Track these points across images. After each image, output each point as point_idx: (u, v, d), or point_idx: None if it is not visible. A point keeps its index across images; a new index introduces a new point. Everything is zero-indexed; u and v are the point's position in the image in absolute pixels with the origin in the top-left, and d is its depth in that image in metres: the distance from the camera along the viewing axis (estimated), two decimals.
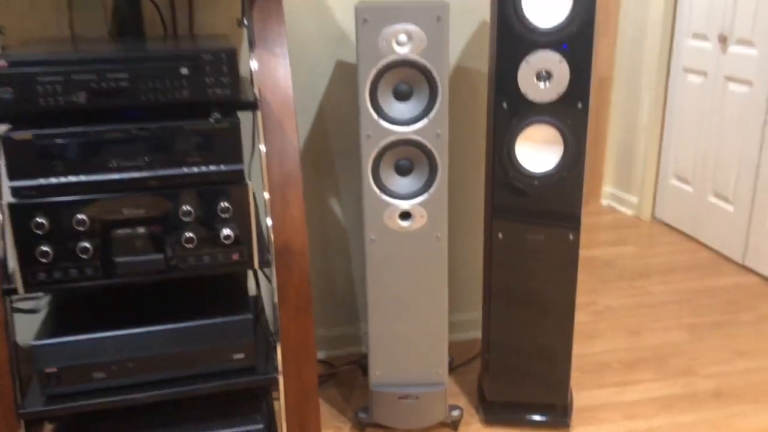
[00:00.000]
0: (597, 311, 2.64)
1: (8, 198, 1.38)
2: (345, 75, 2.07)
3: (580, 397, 2.10)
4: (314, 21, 2.01)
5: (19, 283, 1.42)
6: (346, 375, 2.24)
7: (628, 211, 3.69)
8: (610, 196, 3.84)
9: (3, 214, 1.39)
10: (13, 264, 1.43)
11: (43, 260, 1.40)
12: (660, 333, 2.47)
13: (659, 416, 2.01)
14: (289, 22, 1.99)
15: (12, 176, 1.36)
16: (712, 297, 2.74)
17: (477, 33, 2.12)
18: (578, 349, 2.37)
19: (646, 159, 3.51)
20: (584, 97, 1.67)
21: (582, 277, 2.94)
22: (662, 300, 2.73)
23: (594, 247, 3.26)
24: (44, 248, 1.39)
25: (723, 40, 3.00)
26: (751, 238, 2.93)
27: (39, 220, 1.38)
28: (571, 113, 1.68)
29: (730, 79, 2.99)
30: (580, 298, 2.75)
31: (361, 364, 2.23)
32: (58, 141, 1.36)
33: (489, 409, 1.98)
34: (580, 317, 2.59)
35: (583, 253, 3.20)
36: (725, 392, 2.11)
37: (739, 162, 2.97)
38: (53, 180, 1.38)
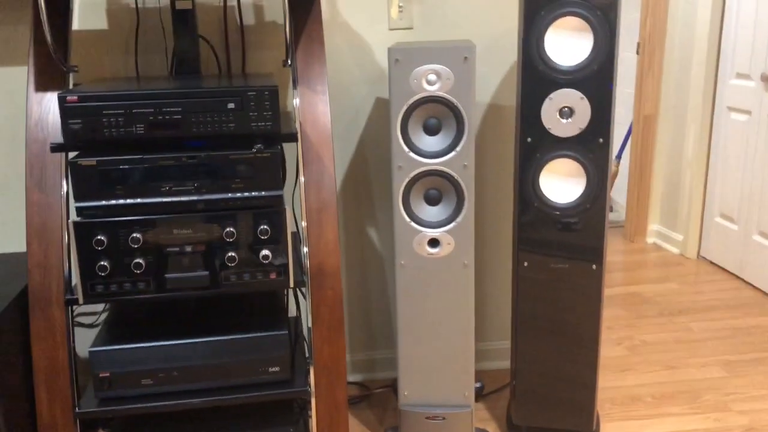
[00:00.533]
0: (632, 345, 2.66)
1: (74, 217, 1.55)
2: (383, 111, 2.21)
3: (609, 428, 2.13)
4: (355, 61, 2.16)
5: (80, 294, 1.58)
6: (380, 397, 2.32)
7: (674, 249, 3.68)
8: (656, 234, 3.84)
9: (69, 231, 1.56)
10: (75, 278, 1.60)
11: (102, 274, 1.56)
12: (696, 369, 2.48)
13: None
14: (332, 62, 2.15)
15: (78, 197, 1.53)
16: (753, 335, 2.72)
17: (510, 72, 2.23)
18: (610, 381, 2.40)
19: (691, 197, 3.51)
20: (605, 132, 1.75)
21: (619, 312, 2.96)
22: (701, 337, 2.72)
23: (636, 284, 3.27)
24: (103, 263, 1.56)
25: (766, 79, 3.02)
26: None
27: (99, 237, 1.54)
28: (593, 148, 1.76)
29: None
30: (616, 333, 2.77)
31: (394, 387, 2.32)
32: (119, 167, 1.53)
33: None
34: (615, 351, 2.62)
35: (623, 289, 3.22)
36: (758, 428, 2.10)
37: None
38: (113, 202, 1.55)
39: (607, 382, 2.39)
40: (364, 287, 2.38)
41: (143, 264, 1.57)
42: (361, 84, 2.18)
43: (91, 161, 1.52)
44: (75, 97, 1.47)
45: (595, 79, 1.72)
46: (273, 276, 1.64)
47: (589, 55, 1.70)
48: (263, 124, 1.57)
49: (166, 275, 1.59)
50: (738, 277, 3.29)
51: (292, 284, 1.66)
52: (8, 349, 1.60)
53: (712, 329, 2.78)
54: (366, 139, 2.24)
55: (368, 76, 2.18)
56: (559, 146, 1.78)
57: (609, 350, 2.62)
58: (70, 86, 1.72)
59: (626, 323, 2.86)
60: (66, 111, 1.47)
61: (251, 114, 1.55)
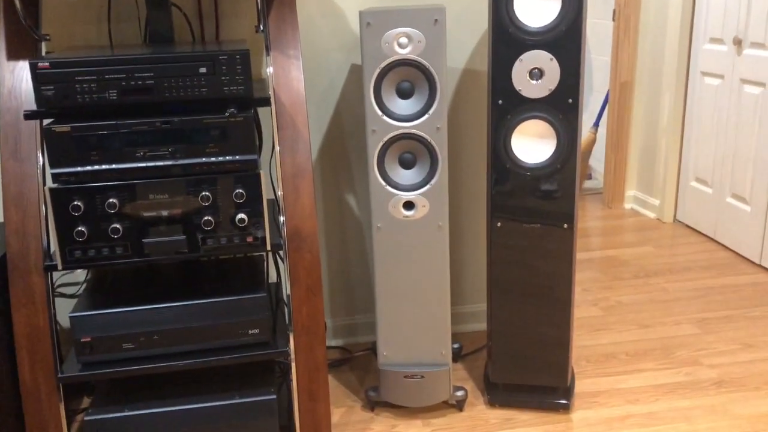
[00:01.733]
0: (608, 306, 2.72)
1: (50, 184, 1.57)
2: (358, 77, 2.23)
3: (584, 384, 2.19)
4: (329, 27, 2.17)
5: (58, 260, 1.60)
6: (361, 360, 2.37)
7: (651, 214, 3.74)
8: (633, 199, 3.90)
9: (45, 198, 1.58)
10: (53, 244, 1.61)
11: (79, 240, 1.58)
12: (669, 327, 2.54)
13: (659, 401, 2.08)
14: (306, 29, 2.16)
15: (53, 164, 1.55)
16: (726, 294, 2.79)
17: (484, 37, 2.25)
18: (585, 340, 2.46)
19: (667, 162, 3.57)
20: (575, 93, 1.78)
21: (596, 275, 3.02)
22: (675, 297, 2.79)
23: (613, 248, 3.33)
24: (80, 229, 1.57)
25: (738, 43, 3.06)
26: (767, 238, 2.97)
27: (76, 203, 1.56)
28: (563, 108, 1.79)
29: (745, 81, 3.04)
30: (593, 295, 2.83)
31: (374, 350, 2.36)
32: (93, 133, 1.54)
33: (493, 391, 2.08)
34: (591, 311, 2.68)
35: (601, 253, 3.27)
36: (727, 380, 2.17)
37: (755, 163, 3.02)
38: (88, 168, 1.56)
39: (582, 341, 2.45)
40: (343, 253, 2.41)
41: (120, 229, 1.59)
42: (336, 51, 2.20)
43: (65, 128, 1.53)
44: (47, 64, 1.47)
45: (564, 40, 1.74)
46: (250, 240, 1.66)
47: (558, 16, 1.73)
48: (235, 88, 1.58)
49: (144, 240, 1.61)
50: (712, 240, 3.36)
51: (269, 247, 1.68)
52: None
53: (686, 289, 2.85)
54: (342, 105, 2.25)
55: (343, 42, 2.19)
56: (529, 108, 1.81)
57: (585, 311, 2.68)
58: (43, 54, 1.72)
59: (603, 285, 2.92)
60: (38, 77, 1.48)
61: (223, 78, 1.57)
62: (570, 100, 1.79)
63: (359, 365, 2.35)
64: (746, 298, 2.75)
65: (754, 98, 2.99)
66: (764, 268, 3.01)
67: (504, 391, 2.08)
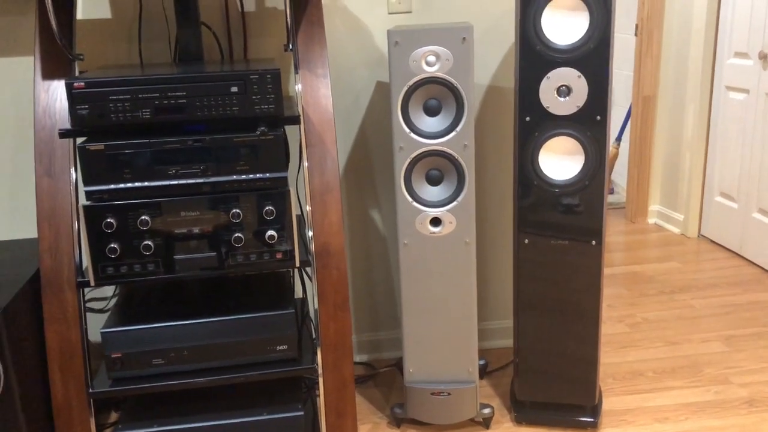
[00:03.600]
0: (634, 323, 2.69)
1: (83, 201, 1.59)
2: (384, 94, 2.24)
3: (611, 402, 2.16)
4: (356, 46, 2.19)
5: (90, 277, 1.62)
6: (386, 376, 2.37)
7: (675, 229, 3.71)
8: (656, 214, 3.87)
9: (79, 215, 1.60)
10: (85, 261, 1.63)
11: (112, 256, 1.60)
12: (697, 344, 2.51)
13: (689, 420, 2.06)
14: (333, 47, 2.17)
15: (86, 182, 1.57)
16: (754, 311, 2.75)
17: (509, 54, 2.25)
18: (612, 358, 2.44)
19: (691, 176, 3.54)
20: (603, 110, 1.77)
21: (621, 291, 3.00)
22: (702, 313, 2.76)
23: (637, 264, 3.30)
24: (113, 245, 1.59)
25: (763, 57, 3.04)
26: None
27: (109, 220, 1.58)
28: (591, 125, 1.79)
29: None
30: (618, 311, 2.81)
31: (399, 366, 2.36)
32: (126, 151, 1.56)
33: (520, 409, 2.07)
34: (617, 328, 2.65)
35: (625, 269, 3.25)
36: (758, 399, 2.14)
37: None
38: (121, 185, 1.58)
39: (609, 359, 2.43)
40: (368, 269, 2.41)
41: (152, 246, 1.61)
42: (361, 68, 2.21)
43: (99, 146, 1.55)
44: (82, 84, 1.50)
45: (592, 57, 1.74)
46: (279, 256, 1.67)
47: (586, 34, 1.73)
48: (266, 107, 1.60)
49: (175, 257, 1.63)
50: (738, 255, 3.32)
51: (297, 264, 1.69)
52: (22, 332, 1.64)
53: (713, 306, 2.81)
54: (367, 122, 2.27)
55: (368, 60, 2.21)
56: (557, 124, 1.81)
57: (611, 328, 2.66)
58: (76, 74, 1.75)
59: (628, 302, 2.89)
60: (73, 97, 1.51)
61: (254, 97, 1.59)
62: (598, 117, 1.78)
63: (384, 381, 2.34)
64: None
65: None
66: None
67: (531, 408, 2.06)
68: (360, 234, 2.37)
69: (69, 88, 1.51)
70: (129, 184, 1.59)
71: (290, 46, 1.77)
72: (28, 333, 1.67)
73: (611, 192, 4.28)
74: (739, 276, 3.11)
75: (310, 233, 1.75)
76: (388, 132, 2.28)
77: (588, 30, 1.73)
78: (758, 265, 3.18)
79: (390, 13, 2.16)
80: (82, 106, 1.51)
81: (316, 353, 1.78)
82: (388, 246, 2.39)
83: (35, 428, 1.72)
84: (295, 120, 1.69)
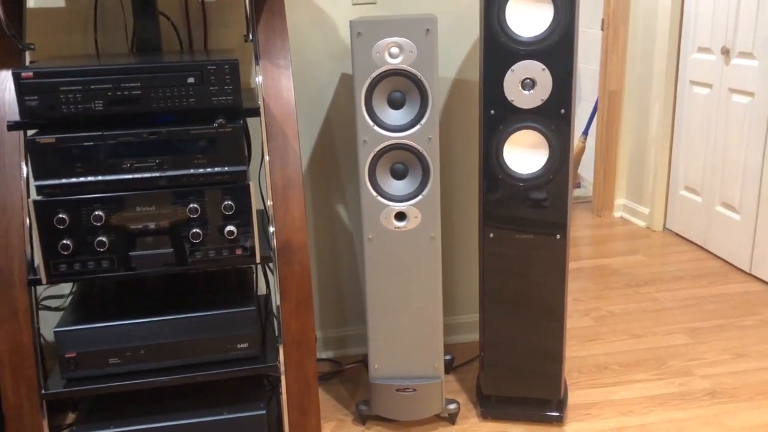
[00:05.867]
0: (599, 316, 2.70)
1: (34, 196, 1.53)
2: (349, 87, 2.21)
3: (576, 395, 2.17)
4: (320, 37, 2.15)
5: (42, 274, 1.56)
6: (352, 373, 2.34)
7: (640, 223, 3.74)
8: (622, 208, 3.90)
9: (29, 211, 1.54)
10: (37, 258, 1.58)
11: (64, 253, 1.55)
12: (661, 337, 2.53)
13: (653, 413, 2.07)
14: (297, 39, 2.13)
15: (37, 176, 1.51)
16: (717, 303, 2.79)
17: (475, 47, 2.23)
18: (578, 351, 2.44)
19: (656, 170, 3.57)
20: (567, 103, 1.77)
21: (587, 284, 3.01)
22: (666, 306, 2.78)
23: (603, 257, 3.32)
24: (65, 242, 1.54)
25: (726, 52, 3.07)
26: (757, 247, 2.97)
27: (61, 216, 1.52)
28: (555, 119, 1.78)
29: (733, 90, 3.05)
30: (584, 305, 2.82)
31: (365, 362, 2.33)
32: (78, 144, 1.51)
33: (486, 404, 2.06)
34: (583, 322, 2.66)
35: (591, 262, 3.26)
36: (720, 391, 2.16)
37: (744, 171, 3.02)
38: (73, 179, 1.53)
39: (574, 352, 2.44)
40: (334, 264, 2.38)
41: (106, 242, 1.56)
42: (326, 60, 2.17)
43: (50, 139, 1.49)
44: (30, 74, 1.44)
45: (557, 50, 1.73)
46: (239, 252, 1.64)
47: (550, 26, 1.71)
48: (224, 98, 1.56)
49: (130, 253, 1.58)
50: (702, 248, 3.36)
51: (258, 260, 1.65)
52: None
53: (677, 299, 2.84)
54: (332, 115, 2.23)
55: (333, 52, 2.17)
56: (521, 118, 1.80)
57: (577, 321, 2.67)
58: (26, 64, 1.69)
59: (594, 295, 2.90)
60: (22, 88, 1.45)
61: (212, 88, 1.54)
62: (562, 111, 1.77)
63: (350, 378, 2.31)
64: (737, 307, 2.75)
65: (743, 107, 2.99)
66: (754, 276, 3.01)
67: (497, 403, 2.05)
68: (326, 229, 2.34)
69: (17, 78, 1.45)
70: (82, 179, 1.53)
71: (250, 36, 1.73)
72: None
73: (578, 186, 4.30)
74: (702, 269, 3.14)
75: (272, 228, 1.71)
76: (353, 125, 2.24)
77: (552, 22, 1.71)
78: (721, 258, 3.22)
79: (354, 4, 2.13)
80: (31, 97, 1.45)
81: (278, 349, 1.74)
82: (355, 241, 2.37)
83: None
84: (254, 112, 1.65)
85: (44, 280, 1.56)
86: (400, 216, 1.86)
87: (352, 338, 2.44)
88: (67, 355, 1.62)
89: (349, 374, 2.33)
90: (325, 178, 2.29)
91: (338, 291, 2.41)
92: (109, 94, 1.50)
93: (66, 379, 1.65)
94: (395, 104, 1.79)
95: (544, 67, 1.74)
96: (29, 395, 1.62)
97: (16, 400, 1.62)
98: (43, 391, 1.63)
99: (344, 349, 2.45)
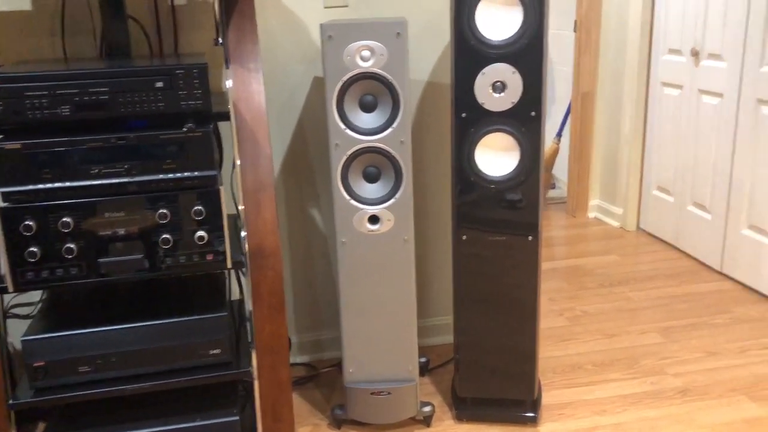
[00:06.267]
0: (574, 316, 2.73)
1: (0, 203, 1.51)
2: (321, 90, 2.20)
3: (551, 396, 2.18)
4: (292, 41, 2.14)
5: (9, 282, 1.54)
6: (327, 377, 2.33)
7: (614, 223, 3.78)
8: (596, 208, 3.93)
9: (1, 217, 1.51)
10: (3, 266, 1.55)
11: (32, 260, 1.52)
12: (634, 336, 2.56)
13: (626, 412, 2.09)
14: (269, 42, 2.12)
15: (2, 183, 1.49)
16: (689, 302, 2.82)
17: (448, 50, 2.24)
18: (552, 351, 2.46)
19: (629, 171, 3.61)
20: (537, 106, 1.78)
21: (562, 285, 3.03)
22: (640, 305, 2.81)
23: (578, 257, 3.35)
24: (32, 249, 1.52)
25: (695, 54, 3.11)
26: (727, 246, 3.02)
27: (27, 223, 1.50)
28: (526, 121, 1.79)
29: (703, 91, 3.09)
30: (559, 305, 2.84)
31: (341, 366, 2.33)
32: (45, 150, 1.49)
33: (461, 406, 2.06)
34: (557, 322, 2.68)
35: (566, 263, 3.29)
36: (691, 389, 2.19)
37: (714, 171, 3.07)
38: (40, 186, 1.51)
39: (549, 352, 2.45)
40: (309, 268, 2.37)
41: (75, 249, 1.54)
42: (298, 63, 2.17)
43: (15, 145, 1.47)
44: None
45: (526, 53, 1.74)
46: (210, 257, 1.62)
47: (520, 29, 1.73)
48: (193, 102, 1.55)
49: (100, 260, 1.56)
50: (675, 247, 3.40)
51: (229, 265, 1.64)
52: None
53: (650, 298, 2.87)
54: (305, 118, 2.23)
55: (305, 55, 2.16)
56: (492, 121, 1.81)
57: (551, 321, 2.69)
58: None
59: (568, 295, 2.93)
60: None
61: (181, 93, 1.53)
62: (533, 113, 1.78)
63: (325, 382, 2.31)
64: (709, 305, 2.78)
65: (712, 108, 3.04)
66: (725, 275, 3.06)
67: (472, 405, 2.06)
68: (300, 232, 2.33)
69: None
70: (49, 185, 1.51)
71: (220, 40, 1.72)
72: None
73: (553, 187, 4.34)
74: (675, 268, 3.18)
75: (244, 233, 1.70)
76: (326, 129, 2.23)
77: (522, 25, 1.72)
78: (693, 257, 3.27)
79: (326, 8, 2.13)
80: None
81: (251, 356, 1.73)
82: (329, 244, 2.36)
83: None
84: (225, 116, 1.64)
85: (11, 288, 1.54)
86: (374, 219, 1.86)
87: (328, 342, 2.43)
88: (36, 364, 1.60)
89: (324, 378, 2.33)
90: (298, 182, 2.28)
91: (313, 295, 2.40)
92: (76, 99, 1.48)
93: (35, 389, 1.62)
94: (367, 107, 1.79)
95: (514, 70, 1.75)
96: None
97: None
98: (11, 401, 1.60)
99: (320, 353, 2.44)
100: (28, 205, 1.50)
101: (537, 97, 1.77)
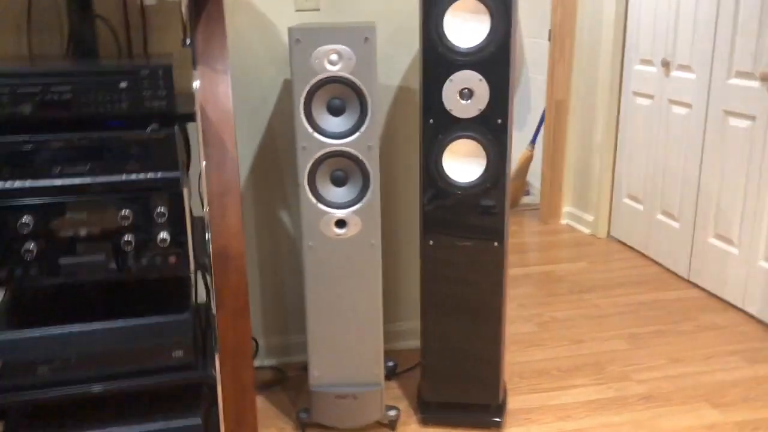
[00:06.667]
0: (542, 322, 2.75)
1: None
2: (291, 93, 2.19)
3: (516, 401, 2.20)
4: (262, 43, 2.14)
5: None
6: (294, 380, 2.33)
7: (586, 230, 3.82)
8: (569, 215, 3.97)
9: None
10: None
11: None
12: (601, 342, 2.58)
13: (589, 418, 2.10)
14: (237, 44, 2.12)
15: None
16: (656, 309, 2.86)
17: (418, 55, 2.25)
18: (519, 357, 2.48)
19: (600, 179, 3.65)
20: (504, 113, 1.79)
21: (531, 290, 3.05)
22: (607, 312, 2.84)
23: (548, 264, 3.37)
24: None
25: (666, 65, 3.16)
26: (695, 254, 3.06)
27: None
28: (493, 128, 1.81)
29: (673, 102, 3.14)
30: (528, 310, 2.86)
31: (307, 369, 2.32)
32: (6, 149, 1.47)
33: (426, 410, 2.07)
34: (525, 327, 2.70)
35: (536, 269, 3.31)
36: (655, 395, 2.22)
37: (683, 181, 3.11)
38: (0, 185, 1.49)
39: (516, 357, 2.47)
40: (277, 271, 2.37)
41: (35, 250, 1.52)
42: (267, 66, 2.17)
43: None
44: None
45: (493, 60, 1.76)
46: (173, 260, 1.61)
47: (487, 37, 1.74)
48: (158, 103, 1.54)
49: (60, 261, 1.54)
50: (644, 255, 3.44)
51: (192, 269, 1.63)
52: None
53: (618, 305, 2.90)
54: (275, 121, 2.22)
55: (275, 58, 2.16)
56: (460, 127, 1.82)
57: (520, 327, 2.70)
58: None
59: (538, 301, 2.95)
60: None
61: (145, 93, 1.52)
62: (499, 121, 1.80)
63: (292, 386, 2.30)
64: (675, 312, 2.82)
65: (682, 118, 3.08)
66: (692, 283, 3.10)
67: (437, 409, 2.07)
68: (268, 235, 2.32)
69: None
70: (8, 184, 1.49)
71: (188, 41, 1.71)
72: None
73: (527, 194, 4.37)
74: (643, 275, 3.22)
75: (207, 235, 1.69)
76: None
77: (489, 33, 1.74)
78: (662, 265, 3.31)
79: (297, 11, 2.13)
80: None
81: (214, 359, 1.72)
82: (297, 246, 2.36)
83: None
84: (190, 117, 1.63)
85: None
86: (341, 223, 1.86)
87: (296, 345, 2.43)
88: None
89: (291, 382, 2.32)
90: (267, 185, 2.28)
91: (281, 298, 2.39)
92: (38, 97, 1.47)
93: None
94: (335, 111, 1.79)
95: (481, 77, 1.77)
96: None
97: None
98: None
99: (288, 357, 2.43)
100: None
101: (504, 104, 1.79)
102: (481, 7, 1.72)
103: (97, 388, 1.63)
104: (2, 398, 1.59)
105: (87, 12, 1.79)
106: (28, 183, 1.51)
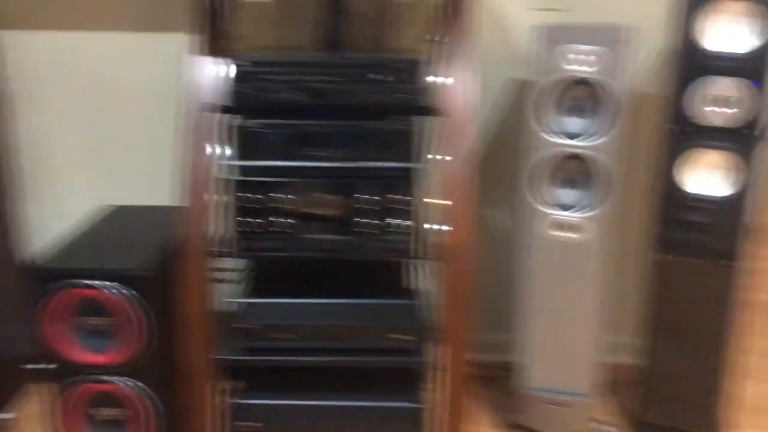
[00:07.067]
0: None
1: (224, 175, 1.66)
2: (518, 91, 2.21)
3: None
4: (496, 41, 2.17)
5: (234, 248, 1.68)
6: (497, 379, 2.32)
7: None
8: None
9: (220, 189, 1.66)
10: (223, 232, 1.69)
11: (250, 230, 1.66)
12: None
13: None
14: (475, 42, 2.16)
15: (236, 157, 1.64)
16: None
17: (653, 57, 2.16)
18: (747, 388, 2.28)
19: None
20: (760, 125, 1.68)
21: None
22: None
23: None
24: (251, 220, 1.65)
25: None
26: None
27: (250, 195, 1.64)
28: (744, 141, 1.70)
29: None
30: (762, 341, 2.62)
31: (508, 369, 2.31)
32: (278, 131, 1.62)
33: (639, 429, 1.99)
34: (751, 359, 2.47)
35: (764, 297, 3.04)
36: None
37: None
38: (267, 163, 1.65)
39: (743, 389, 2.28)
40: (487, 268, 2.37)
41: (287, 223, 1.66)
42: (500, 64, 2.19)
43: (257, 124, 1.61)
44: (247, 62, 1.56)
45: (756, 69, 1.65)
46: (403, 246, 1.68)
47: (756, 43, 1.64)
48: (406, 97, 1.63)
49: (305, 236, 1.67)
50: None
51: (421, 255, 1.69)
52: (166, 296, 1.73)
53: None
54: (504, 119, 2.24)
55: (507, 56, 2.18)
56: (707, 137, 1.73)
57: (752, 357, 2.48)
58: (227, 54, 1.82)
59: None
60: (239, 76, 1.57)
61: (401, 86, 1.62)
62: (755, 133, 1.69)
63: (495, 384, 2.30)
64: None
65: None
66: None
67: (648, 430, 1.98)
68: (485, 231, 2.34)
69: (237, 66, 1.58)
70: (272, 162, 1.64)
71: (436, 37, 1.78)
72: (166, 298, 1.75)
73: None
74: None
75: (438, 226, 1.74)
76: (525, 131, 2.24)
77: (760, 39, 1.63)
78: None
79: (539, 10, 2.13)
80: (245, 85, 1.57)
81: (434, 345, 1.77)
82: (511, 247, 2.35)
83: (168, 389, 1.80)
84: (433, 111, 1.70)
85: (235, 253, 1.68)
86: (569, 227, 1.84)
87: (501, 344, 2.41)
88: (244, 326, 1.72)
89: (494, 380, 2.31)
90: (492, 181, 2.30)
91: (490, 295, 2.39)
92: (310, 86, 1.60)
93: (241, 348, 1.75)
94: (577, 112, 1.77)
95: (739, 85, 1.67)
96: (204, 361, 1.74)
97: (197, 361, 1.75)
98: (217, 357, 1.74)
99: (492, 354, 2.42)
100: (253, 179, 1.64)
101: (761, 116, 1.67)
102: (751, 9, 1.62)
103: (334, 359, 1.73)
104: (249, 358, 1.74)
105: (339, 7, 1.92)
106: (288, 163, 1.64)
